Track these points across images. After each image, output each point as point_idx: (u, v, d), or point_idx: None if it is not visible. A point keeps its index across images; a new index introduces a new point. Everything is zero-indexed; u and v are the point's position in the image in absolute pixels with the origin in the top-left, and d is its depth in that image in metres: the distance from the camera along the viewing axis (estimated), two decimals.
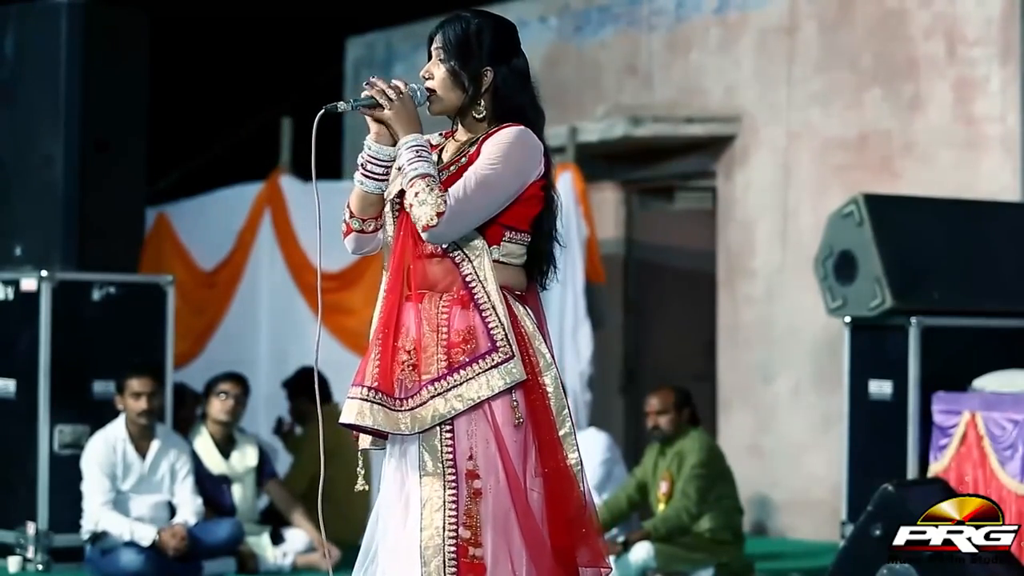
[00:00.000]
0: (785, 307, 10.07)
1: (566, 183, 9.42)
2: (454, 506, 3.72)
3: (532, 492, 3.76)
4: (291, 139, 10.60)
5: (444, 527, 3.72)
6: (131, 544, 7.67)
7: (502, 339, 3.74)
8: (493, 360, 3.74)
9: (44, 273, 8.02)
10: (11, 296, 8.16)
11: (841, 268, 7.77)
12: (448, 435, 3.74)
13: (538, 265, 3.91)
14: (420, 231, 3.73)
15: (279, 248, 10.15)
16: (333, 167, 12.51)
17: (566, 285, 9.26)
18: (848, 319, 7.82)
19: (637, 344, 11.24)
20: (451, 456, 3.73)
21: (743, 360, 10.35)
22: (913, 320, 7.52)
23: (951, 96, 9.33)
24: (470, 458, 3.73)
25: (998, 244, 7.97)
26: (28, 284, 8.07)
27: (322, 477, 3.98)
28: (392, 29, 12.64)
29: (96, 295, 8.16)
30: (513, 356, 3.74)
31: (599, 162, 10.94)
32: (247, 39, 14.63)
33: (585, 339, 9.58)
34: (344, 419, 3.77)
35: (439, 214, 3.69)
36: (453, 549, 3.71)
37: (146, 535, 7.69)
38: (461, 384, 3.73)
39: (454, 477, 3.73)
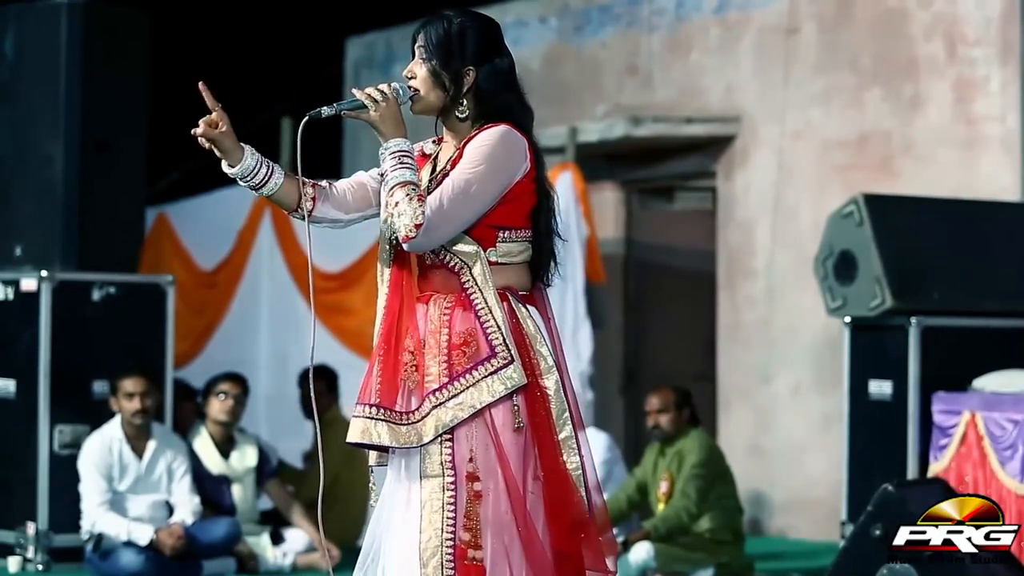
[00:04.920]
0: (785, 307, 10.06)
1: (566, 183, 9.41)
2: (452, 508, 3.71)
3: (532, 495, 3.75)
4: (291, 139, 10.60)
5: (443, 529, 3.71)
6: (130, 544, 7.68)
7: (500, 344, 3.73)
8: (493, 366, 3.73)
9: (44, 273, 8.01)
10: (11, 296, 8.15)
11: (841, 268, 7.77)
12: (447, 439, 3.73)
13: (538, 261, 3.89)
14: (400, 241, 3.73)
15: (279, 248, 10.15)
16: (333, 168, 12.50)
17: (566, 285, 9.26)
18: (848, 319, 7.82)
19: (637, 344, 11.23)
20: (450, 459, 3.72)
21: (743, 360, 10.35)
22: (913, 320, 7.52)
23: (951, 96, 9.32)
24: (470, 460, 3.73)
25: (998, 244, 7.97)
26: (28, 284, 8.06)
27: (322, 479, 3.99)
28: (392, 29, 12.63)
29: (96, 295, 8.15)
30: (513, 360, 3.73)
31: (599, 162, 10.93)
32: (247, 39, 14.62)
33: (585, 339, 9.57)
34: (350, 438, 3.78)
35: (417, 225, 3.66)
36: (451, 551, 3.71)
37: (143, 535, 7.69)
38: (462, 392, 3.72)
39: (453, 479, 3.72)
